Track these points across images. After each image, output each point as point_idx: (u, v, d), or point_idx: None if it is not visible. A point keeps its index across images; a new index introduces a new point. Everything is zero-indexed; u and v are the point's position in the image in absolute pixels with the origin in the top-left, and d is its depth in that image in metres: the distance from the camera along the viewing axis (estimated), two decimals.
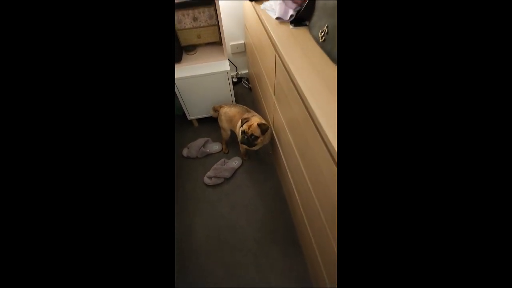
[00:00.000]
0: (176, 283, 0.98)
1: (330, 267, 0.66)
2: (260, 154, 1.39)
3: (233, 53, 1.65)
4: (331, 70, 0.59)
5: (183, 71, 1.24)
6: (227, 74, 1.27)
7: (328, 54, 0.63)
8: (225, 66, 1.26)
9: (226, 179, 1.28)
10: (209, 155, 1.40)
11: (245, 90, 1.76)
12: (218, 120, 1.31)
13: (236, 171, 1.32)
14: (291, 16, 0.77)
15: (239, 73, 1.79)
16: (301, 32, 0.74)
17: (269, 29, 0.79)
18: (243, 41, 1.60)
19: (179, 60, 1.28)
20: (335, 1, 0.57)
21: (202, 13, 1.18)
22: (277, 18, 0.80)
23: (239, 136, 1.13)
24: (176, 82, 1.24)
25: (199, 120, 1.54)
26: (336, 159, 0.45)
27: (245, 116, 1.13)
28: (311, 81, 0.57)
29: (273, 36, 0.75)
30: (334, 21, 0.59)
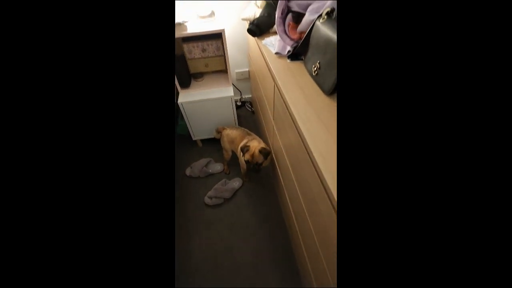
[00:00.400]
0: None
1: None
2: (260, 176, 1.42)
3: (238, 79, 1.76)
4: (322, 101, 0.65)
5: (191, 96, 1.34)
6: (231, 99, 1.36)
7: (320, 86, 0.69)
8: (229, 92, 1.35)
9: (226, 200, 1.30)
10: (211, 175, 1.43)
11: (248, 113, 1.85)
12: (221, 141, 1.37)
13: (236, 191, 1.34)
14: (289, 51, 0.85)
15: (243, 97, 1.90)
16: (297, 66, 0.81)
17: (269, 62, 0.87)
18: (247, 69, 1.72)
19: (187, 86, 1.39)
20: (326, 41, 0.65)
21: (210, 45, 1.31)
22: (276, 53, 0.89)
23: (240, 158, 1.17)
24: (184, 105, 1.33)
25: (203, 141, 1.60)
26: (324, 185, 0.48)
27: (245, 140, 1.19)
28: (304, 111, 0.63)
29: (272, 68, 0.83)
30: (325, 58, 0.66)
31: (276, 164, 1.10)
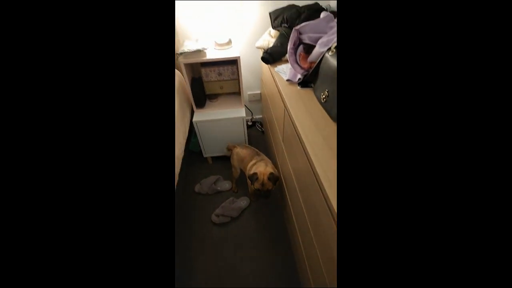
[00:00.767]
0: None
1: None
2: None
3: (250, 100, 1.84)
4: (331, 128, 0.68)
5: (205, 115, 1.41)
6: (243, 120, 1.41)
7: (328, 113, 0.72)
8: (241, 113, 1.42)
9: (233, 219, 1.30)
10: (219, 192, 1.45)
11: (258, 133, 1.90)
12: (230, 159, 1.41)
13: (243, 211, 1.34)
14: (299, 79, 0.91)
15: (254, 117, 1.96)
16: (307, 93, 0.86)
17: (280, 87, 0.93)
18: (259, 91, 1.80)
19: (202, 106, 1.47)
20: (334, 72, 0.70)
21: (226, 70, 1.40)
22: (288, 80, 0.95)
23: (249, 181, 1.20)
24: (198, 124, 1.39)
25: (213, 158, 1.64)
26: (332, 213, 0.49)
27: (253, 160, 1.22)
28: (312, 136, 0.65)
29: (283, 94, 0.88)
30: (333, 86, 0.71)
31: (284, 186, 1.11)
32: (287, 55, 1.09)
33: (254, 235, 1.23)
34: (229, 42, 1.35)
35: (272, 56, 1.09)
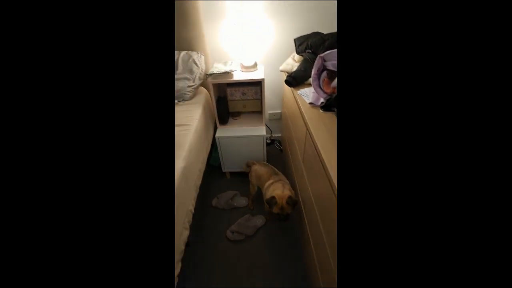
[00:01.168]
0: None
1: None
2: None
3: (270, 119, 1.90)
4: None
5: (227, 131, 1.48)
6: (263, 138, 1.45)
7: None
8: (262, 131, 1.46)
9: (248, 237, 1.29)
10: (235, 208, 1.46)
11: (276, 151, 1.92)
12: (249, 175, 1.43)
13: (258, 229, 1.33)
14: (322, 102, 0.94)
15: (273, 135, 2.00)
16: (329, 116, 0.88)
17: (303, 110, 0.96)
18: (280, 111, 1.85)
19: (225, 122, 1.54)
20: None
21: (250, 90, 1.48)
22: (310, 103, 0.98)
23: (265, 196, 1.21)
24: (220, 140, 1.46)
25: (231, 173, 1.68)
26: None
27: (270, 180, 1.23)
28: (335, 159, 0.66)
29: (306, 117, 0.91)
30: None
31: (302, 208, 1.10)
32: (310, 79, 1.13)
33: (268, 256, 1.20)
34: (255, 65, 1.44)
35: (295, 80, 1.14)
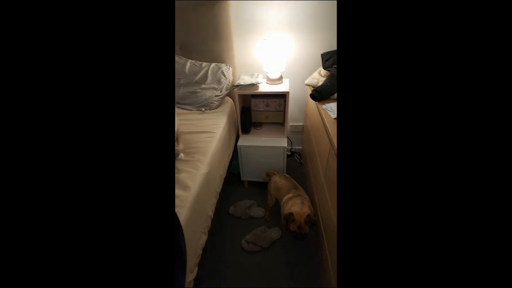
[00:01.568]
0: None
1: None
2: None
3: (291, 131, 1.90)
4: None
5: (249, 141, 1.51)
6: (284, 150, 1.46)
7: None
8: (283, 143, 1.47)
9: (263, 248, 1.28)
10: (251, 218, 1.46)
11: (296, 163, 1.90)
12: (268, 186, 1.43)
13: (274, 242, 1.31)
14: None
15: (293, 147, 1.99)
16: None
17: (327, 125, 0.95)
18: (301, 124, 1.85)
19: (248, 132, 1.58)
20: None
21: (274, 102, 1.51)
22: (335, 118, 0.97)
23: (283, 210, 1.19)
24: (241, 148, 1.49)
25: (250, 182, 1.69)
26: None
27: (290, 194, 1.21)
28: None
29: (330, 132, 0.90)
30: None
31: (321, 225, 1.07)
32: (335, 95, 1.13)
33: (283, 272, 1.17)
34: (280, 78, 1.47)
35: (321, 94, 1.14)
